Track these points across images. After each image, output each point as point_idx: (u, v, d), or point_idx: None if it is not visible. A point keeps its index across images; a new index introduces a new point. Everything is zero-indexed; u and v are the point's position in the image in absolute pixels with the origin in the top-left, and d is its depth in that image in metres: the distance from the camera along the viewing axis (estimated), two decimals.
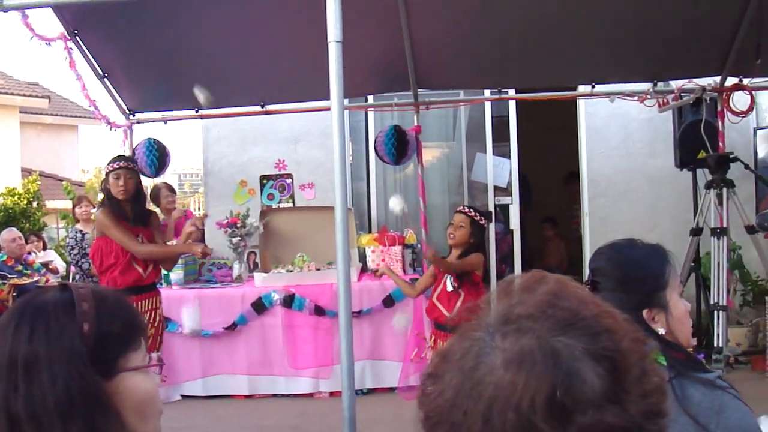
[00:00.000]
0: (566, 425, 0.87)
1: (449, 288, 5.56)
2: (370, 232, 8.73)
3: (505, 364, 0.90)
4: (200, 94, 6.76)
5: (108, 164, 5.89)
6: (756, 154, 8.31)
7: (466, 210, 5.76)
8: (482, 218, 5.74)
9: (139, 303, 5.57)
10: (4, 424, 1.28)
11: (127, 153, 7.48)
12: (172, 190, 8.70)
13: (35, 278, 8.61)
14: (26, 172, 17.76)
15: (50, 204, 16.64)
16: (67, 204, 14.04)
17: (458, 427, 0.91)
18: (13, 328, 1.35)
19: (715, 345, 6.37)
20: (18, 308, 1.41)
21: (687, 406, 1.83)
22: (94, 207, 8.90)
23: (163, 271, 7.25)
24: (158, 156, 7.62)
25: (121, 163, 5.81)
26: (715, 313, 6.45)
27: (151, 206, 7.30)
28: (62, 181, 16.56)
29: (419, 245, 8.00)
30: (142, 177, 6.44)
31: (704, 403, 1.85)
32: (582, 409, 0.87)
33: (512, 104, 8.95)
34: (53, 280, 9.16)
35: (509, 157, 9.14)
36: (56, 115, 23.22)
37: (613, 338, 0.93)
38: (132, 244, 5.71)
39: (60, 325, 1.36)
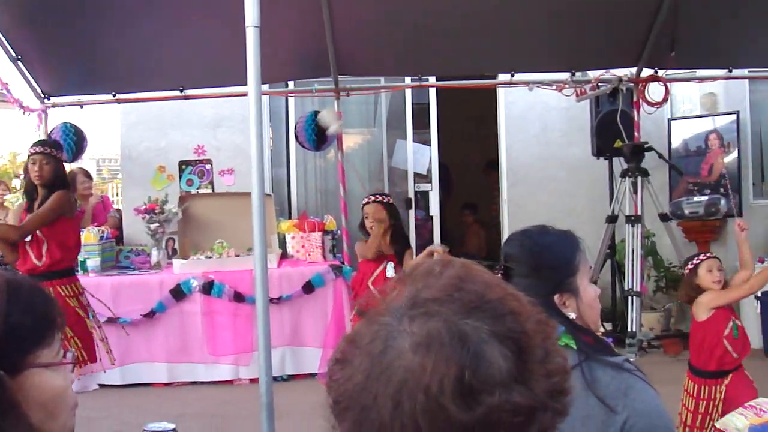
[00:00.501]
0: (474, 406, 0.88)
1: (389, 274, 5.58)
2: (290, 218, 8.70)
3: (413, 347, 0.91)
4: (329, 120, 6.73)
5: (29, 148, 5.77)
6: (670, 144, 8.51)
7: (375, 198, 5.82)
8: (387, 197, 5.84)
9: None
10: None
11: (42, 137, 7.31)
12: (88, 175, 8.54)
13: None
14: None
15: None
16: None
17: (368, 411, 0.91)
18: None
19: (629, 330, 6.53)
20: None
21: (595, 389, 1.87)
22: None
23: (80, 258, 7.13)
24: (75, 140, 7.50)
25: (39, 148, 5.69)
26: (630, 298, 6.60)
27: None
28: None
29: (339, 231, 8.00)
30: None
31: (612, 386, 1.89)
32: (489, 389, 0.89)
33: (433, 92, 9.01)
34: None
35: (429, 144, 9.19)
36: None
37: (517, 320, 0.95)
38: (8, 231, 5.60)
39: None
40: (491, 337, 0.91)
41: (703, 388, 4.55)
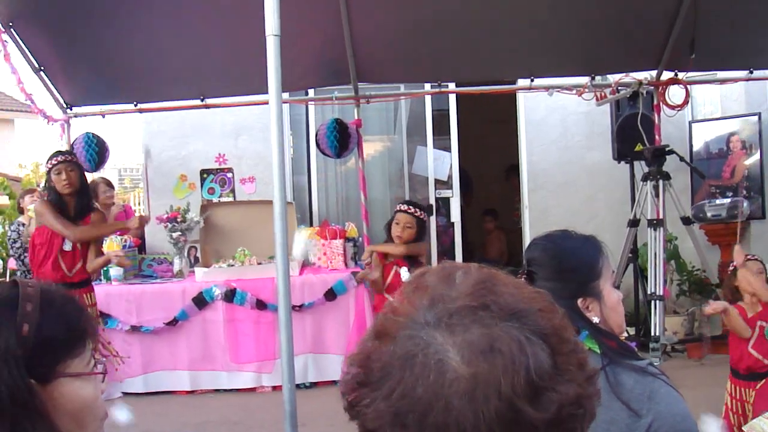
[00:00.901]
0: (547, 405, 0.89)
1: (405, 278, 5.57)
2: (311, 225, 8.72)
3: (466, 358, 0.90)
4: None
5: (47, 161, 5.83)
6: (691, 146, 8.47)
7: (411, 210, 5.81)
8: (423, 213, 5.83)
9: None
10: None
11: (65, 147, 7.36)
12: (110, 185, 8.59)
13: None
14: None
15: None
16: (3, 199, 13.80)
17: (441, 427, 0.89)
18: None
19: (653, 334, 6.49)
20: None
21: (620, 393, 1.87)
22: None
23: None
24: (97, 150, 7.53)
25: (60, 158, 5.77)
26: (653, 302, 6.56)
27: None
28: None
29: (360, 239, 8.01)
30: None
31: (636, 389, 1.89)
32: (552, 387, 0.90)
33: (452, 98, 9.00)
34: None
35: (450, 151, 9.18)
36: None
37: (547, 317, 0.96)
38: (65, 228, 5.67)
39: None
40: (533, 336, 0.92)
41: (736, 388, 4.55)
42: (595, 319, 2.08)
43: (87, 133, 7.58)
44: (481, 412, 0.87)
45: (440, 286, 1.00)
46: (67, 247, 5.82)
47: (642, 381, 1.91)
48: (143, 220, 6.28)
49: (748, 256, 4.69)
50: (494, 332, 0.91)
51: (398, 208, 5.93)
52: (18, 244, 7.85)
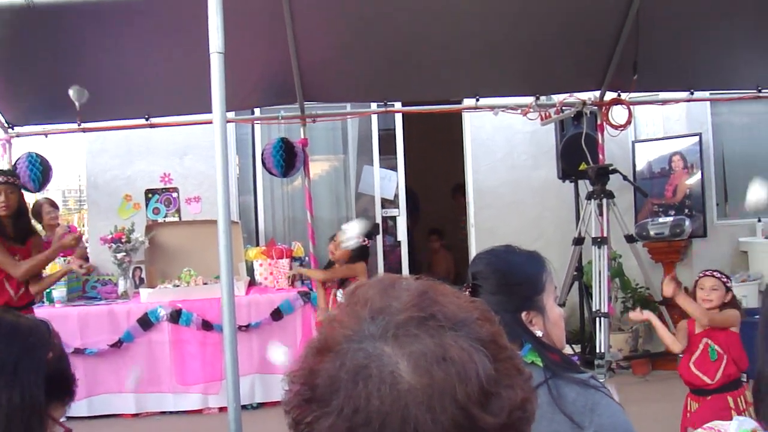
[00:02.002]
0: (499, 411, 0.90)
1: (339, 299, 5.58)
2: (258, 245, 8.67)
3: (419, 366, 0.90)
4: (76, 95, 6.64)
5: None
6: (634, 166, 8.59)
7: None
8: (365, 239, 5.89)
9: None
10: None
11: (7, 167, 7.26)
12: (54, 205, 8.45)
13: None
14: None
15: None
16: None
17: None
18: None
19: (598, 350, 6.55)
20: None
21: (562, 405, 1.89)
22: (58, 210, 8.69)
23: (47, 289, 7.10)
24: (41, 170, 7.44)
25: (1, 179, 5.66)
26: (598, 319, 6.63)
27: (34, 224, 7.07)
28: None
29: (307, 258, 7.99)
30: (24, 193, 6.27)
31: (578, 402, 1.90)
32: (497, 392, 0.91)
33: (399, 117, 9.03)
34: None
35: (396, 170, 9.21)
36: None
37: (485, 325, 0.96)
38: (10, 266, 5.56)
39: (35, 342, 1.44)
40: (477, 343, 0.92)
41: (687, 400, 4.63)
42: (538, 333, 2.10)
43: (30, 152, 7.48)
44: (439, 420, 0.87)
45: (380, 298, 0.99)
46: None
47: (584, 393, 1.93)
48: (79, 237, 6.20)
49: (705, 272, 4.74)
50: (444, 341, 0.92)
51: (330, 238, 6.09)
52: None
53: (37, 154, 7.49)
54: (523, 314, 2.11)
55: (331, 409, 0.91)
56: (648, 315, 4.84)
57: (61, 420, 1.53)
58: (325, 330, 1.00)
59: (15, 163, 7.44)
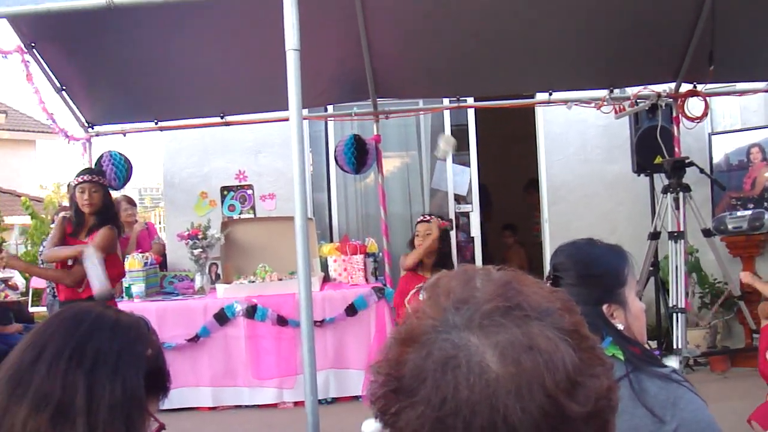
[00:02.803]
0: (585, 400, 0.91)
1: (422, 297, 5.59)
2: (331, 241, 8.73)
3: (507, 355, 0.90)
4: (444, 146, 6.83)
5: (76, 176, 5.88)
6: (711, 158, 8.43)
7: (428, 217, 5.88)
8: (445, 221, 5.89)
9: None
10: (51, 407, 1.33)
11: (87, 166, 7.42)
12: (132, 202, 8.63)
13: None
14: None
15: (8, 220, 16.48)
16: (25, 219, 13.92)
17: (489, 427, 0.89)
18: (89, 324, 1.45)
19: (675, 347, 6.45)
20: (97, 313, 1.50)
21: (644, 399, 1.87)
22: (136, 208, 8.89)
23: (125, 284, 7.24)
24: (125, 168, 7.64)
25: (87, 177, 5.81)
26: (674, 315, 6.52)
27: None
28: (20, 196, 16.42)
29: (381, 254, 8.02)
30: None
31: (660, 396, 1.89)
32: (587, 382, 0.92)
33: (471, 113, 9.02)
34: (12, 296, 9.07)
35: (468, 165, 9.19)
36: (13, 129, 22.98)
37: (567, 315, 0.97)
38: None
39: (136, 337, 1.48)
40: (561, 333, 0.93)
41: None
42: (619, 326, 2.09)
43: (112, 151, 7.66)
44: (527, 409, 0.88)
45: (463, 288, 1.00)
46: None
47: (666, 387, 1.91)
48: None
49: None
50: (531, 331, 0.92)
51: (417, 221, 6.05)
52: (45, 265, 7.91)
53: (119, 153, 7.66)
54: (604, 307, 2.10)
55: (418, 399, 0.92)
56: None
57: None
58: (410, 320, 1.00)
59: (99, 161, 7.61)
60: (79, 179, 5.81)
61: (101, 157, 7.64)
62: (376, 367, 1.00)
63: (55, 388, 1.34)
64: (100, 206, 5.79)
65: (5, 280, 9.36)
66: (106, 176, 7.03)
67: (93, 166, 7.42)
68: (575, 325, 0.97)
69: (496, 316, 0.94)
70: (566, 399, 0.89)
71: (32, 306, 9.53)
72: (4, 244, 13.24)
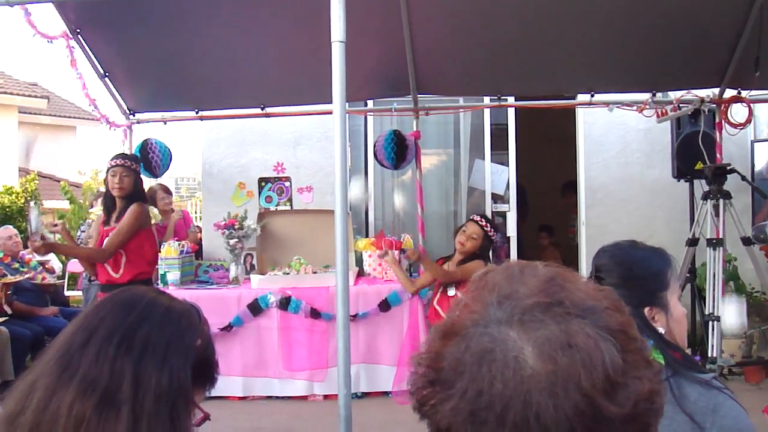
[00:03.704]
0: (624, 401, 0.90)
1: (450, 293, 5.57)
2: (367, 236, 8.74)
3: (544, 352, 0.90)
4: None
5: (109, 161, 5.92)
6: (753, 166, 8.35)
7: (483, 222, 5.81)
8: (493, 232, 5.81)
9: None
10: (98, 393, 1.34)
11: (127, 152, 7.48)
12: (168, 191, 8.70)
13: (29, 275, 8.63)
14: (24, 171, 17.80)
15: (47, 204, 16.65)
16: (64, 204, 14.08)
17: (521, 423, 0.90)
18: (140, 310, 1.46)
19: (710, 355, 6.39)
20: (149, 299, 1.51)
21: (684, 405, 1.85)
22: (172, 197, 8.97)
23: (161, 271, 7.30)
24: (169, 156, 7.75)
25: (119, 161, 5.85)
26: (710, 323, 6.46)
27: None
28: (59, 181, 16.60)
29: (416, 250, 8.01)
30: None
31: (700, 402, 1.87)
32: (624, 382, 0.90)
33: (511, 112, 8.99)
34: (49, 279, 9.17)
35: (507, 165, 9.16)
36: (55, 115, 23.20)
37: (615, 314, 0.96)
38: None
39: (186, 326, 1.48)
40: (605, 332, 0.92)
41: None
42: (661, 330, 2.07)
43: (154, 139, 7.73)
44: (561, 407, 0.87)
45: (508, 283, 1.00)
46: None
47: (706, 394, 1.89)
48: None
49: None
50: (570, 328, 0.91)
51: (470, 218, 6.00)
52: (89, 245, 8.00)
53: (161, 141, 7.73)
54: (646, 310, 2.08)
55: (455, 391, 0.92)
56: None
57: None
58: (453, 314, 1.00)
59: (144, 147, 7.65)
60: (112, 163, 5.85)
61: (146, 143, 7.69)
62: (417, 359, 1.00)
63: (102, 373, 1.34)
64: (131, 191, 5.83)
65: (43, 263, 9.46)
66: (151, 163, 7.11)
67: (131, 153, 7.47)
68: (622, 326, 0.96)
69: (537, 312, 0.94)
70: (603, 399, 0.88)
71: (68, 290, 9.63)
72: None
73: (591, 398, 0.88)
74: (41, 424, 1.32)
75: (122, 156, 6.06)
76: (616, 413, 0.89)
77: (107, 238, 5.77)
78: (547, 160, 10.65)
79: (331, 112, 4.11)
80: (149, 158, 7.64)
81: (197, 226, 9.52)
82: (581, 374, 0.88)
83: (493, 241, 5.91)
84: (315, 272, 7.50)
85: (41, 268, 9.27)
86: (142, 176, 6.37)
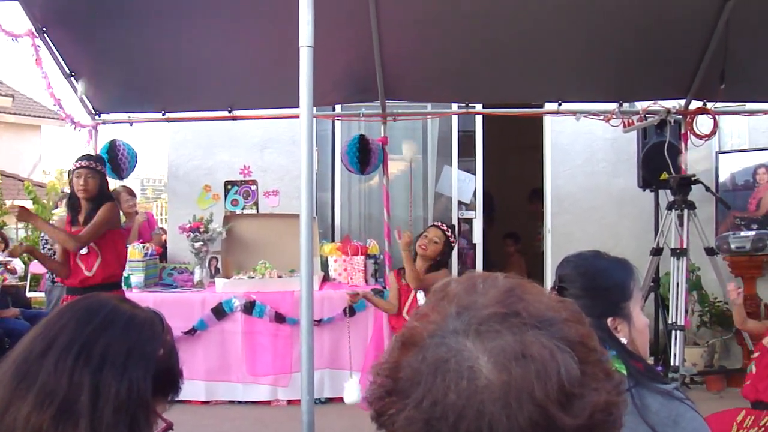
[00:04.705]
0: (579, 412, 0.89)
1: (421, 301, 5.57)
2: (333, 241, 8.72)
3: (497, 365, 0.89)
4: None
5: (74, 162, 5.85)
6: (717, 177, 8.42)
7: (444, 227, 5.82)
8: (454, 238, 5.84)
9: None
10: (55, 405, 1.31)
11: (92, 153, 7.40)
12: (132, 193, 8.62)
13: None
14: None
15: (10, 203, 16.46)
16: (27, 204, 13.92)
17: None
18: (101, 319, 1.44)
19: (672, 364, 6.44)
20: (111, 307, 1.48)
21: (645, 415, 1.86)
22: (136, 199, 8.88)
23: (125, 273, 7.21)
24: (135, 158, 7.71)
25: (84, 163, 5.77)
26: (673, 332, 6.51)
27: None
28: (23, 181, 16.42)
29: (382, 256, 8.01)
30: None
31: (662, 413, 1.87)
32: (583, 393, 0.90)
33: (479, 119, 9.01)
34: (11, 280, 9.06)
35: (474, 172, 9.18)
36: (19, 114, 22.98)
37: (573, 326, 0.95)
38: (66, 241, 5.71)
39: (148, 336, 1.46)
40: (562, 343, 0.92)
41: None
42: (623, 341, 2.08)
43: (119, 140, 7.66)
44: (514, 417, 0.87)
45: (467, 294, 0.99)
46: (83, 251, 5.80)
47: (668, 405, 1.90)
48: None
49: None
50: (526, 339, 0.91)
51: (431, 224, 6.01)
52: (49, 245, 7.90)
53: (127, 143, 7.67)
54: (609, 320, 2.09)
55: (410, 401, 0.92)
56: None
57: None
58: (412, 324, 1.00)
59: (112, 148, 7.58)
60: (77, 164, 5.78)
61: (114, 144, 7.61)
62: (377, 369, 1.00)
63: (60, 384, 1.32)
64: (96, 193, 5.75)
65: (5, 264, 9.36)
66: (119, 165, 7.06)
67: (96, 153, 7.39)
68: (581, 337, 0.95)
69: (493, 323, 0.93)
70: (558, 410, 0.88)
71: (30, 291, 9.53)
72: (4, 228, 13.24)
73: (545, 409, 0.87)
74: None
75: (87, 157, 5.97)
76: (571, 424, 0.88)
77: (83, 230, 5.69)
78: (515, 167, 10.69)
79: (298, 116, 4.09)
80: (117, 159, 7.56)
81: (162, 228, 9.45)
82: (534, 384, 0.88)
83: (453, 247, 5.93)
84: (280, 276, 7.47)
85: (3, 268, 9.17)
86: (107, 177, 6.30)
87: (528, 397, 0.87)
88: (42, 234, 8.54)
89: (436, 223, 5.95)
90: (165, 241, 8.92)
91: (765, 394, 4.65)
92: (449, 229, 5.84)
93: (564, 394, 0.88)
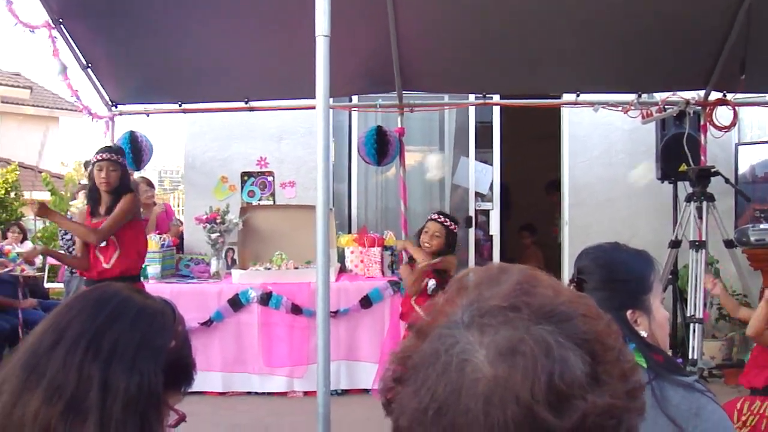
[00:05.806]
0: (568, 412, 0.85)
1: (430, 290, 5.55)
2: (349, 232, 8.70)
3: (492, 359, 0.87)
4: None
5: (95, 154, 5.85)
6: (737, 169, 8.36)
7: (441, 219, 5.80)
8: (453, 224, 5.81)
9: None
10: (64, 400, 1.29)
11: (110, 144, 7.41)
12: (150, 184, 8.64)
13: (9, 267, 8.53)
14: (4, 162, 17.65)
15: (28, 195, 16.53)
16: (45, 195, 13.97)
17: (455, 428, 0.88)
18: (110, 311, 1.41)
19: (690, 357, 6.39)
20: (121, 298, 1.45)
21: (666, 408, 1.84)
22: (154, 190, 8.92)
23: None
24: (151, 149, 7.73)
25: (105, 155, 5.77)
26: (691, 325, 6.46)
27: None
28: (41, 172, 16.47)
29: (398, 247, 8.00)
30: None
31: (683, 405, 1.85)
32: (578, 394, 0.86)
33: (496, 110, 8.97)
34: (29, 271, 9.08)
35: (491, 164, 9.15)
36: (37, 106, 23.05)
37: (589, 322, 0.93)
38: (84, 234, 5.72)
39: (159, 328, 1.43)
40: (568, 341, 0.89)
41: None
42: (643, 333, 2.06)
43: (135, 131, 7.67)
44: (494, 414, 0.85)
45: (480, 286, 0.98)
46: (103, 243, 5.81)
47: (689, 397, 1.88)
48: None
49: None
50: (520, 334, 0.89)
51: (429, 217, 5.95)
52: (69, 236, 7.91)
53: (142, 134, 7.68)
54: (628, 313, 2.07)
55: (408, 390, 0.92)
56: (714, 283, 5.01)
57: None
58: (427, 315, 1.00)
59: (131, 139, 7.58)
60: (98, 157, 5.77)
61: (134, 135, 7.61)
62: (392, 357, 1.00)
63: (69, 379, 1.30)
64: (117, 185, 5.75)
65: (22, 255, 9.38)
66: (140, 155, 7.07)
67: (114, 144, 7.39)
68: (597, 335, 0.92)
69: (494, 316, 0.92)
70: (543, 410, 0.84)
71: (48, 282, 9.56)
72: (22, 219, 13.29)
73: (530, 409, 0.84)
74: (6, 430, 1.28)
75: (108, 149, 5.97)
76: (557, 425, 0.85)
77: (104, 222, 5.69)
78: (532, 158, 10.63)
79: (315, 107, 4.07)
80: (138, 150, 7.58)
81: (179, 220, 9.46)
82: (520, 383, 0.85)
83: (456, 233, 5.90)
84: (296, 268, 7.46)
85: (21, 259, 9.19)
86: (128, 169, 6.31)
87: (512, 396, 0.85)
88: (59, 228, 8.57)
89: (433, 216, 5.92)
90: (182, 231, 8.93)
91: (756, 380, 4.71)
92: (447, 219, 5.82)
93: (555, 394, 0.85)
